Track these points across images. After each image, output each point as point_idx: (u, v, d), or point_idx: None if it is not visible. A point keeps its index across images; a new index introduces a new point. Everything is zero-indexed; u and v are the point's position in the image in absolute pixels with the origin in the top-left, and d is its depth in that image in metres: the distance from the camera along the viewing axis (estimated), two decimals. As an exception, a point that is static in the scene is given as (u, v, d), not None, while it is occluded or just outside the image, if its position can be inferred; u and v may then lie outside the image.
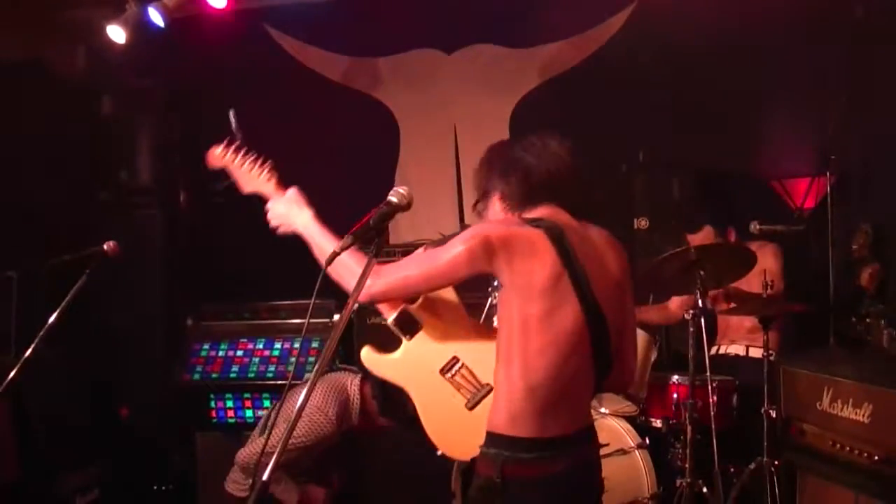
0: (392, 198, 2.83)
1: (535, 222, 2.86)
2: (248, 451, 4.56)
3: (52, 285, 4.22)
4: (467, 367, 3.29)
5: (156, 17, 6.06)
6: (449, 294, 3.38)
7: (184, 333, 6.16)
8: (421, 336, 3.34)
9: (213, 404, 5.83)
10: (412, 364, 3.35)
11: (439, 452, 3.37)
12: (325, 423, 4.52)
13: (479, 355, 3.23)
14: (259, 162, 3.28)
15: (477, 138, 7.21)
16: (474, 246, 2.80)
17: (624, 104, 6.58)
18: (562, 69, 7.05)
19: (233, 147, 3.32)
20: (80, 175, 6.00)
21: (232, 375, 5.89)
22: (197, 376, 5.92)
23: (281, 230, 3.17)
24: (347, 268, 2.85)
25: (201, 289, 6.46)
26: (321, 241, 3.01)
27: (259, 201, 3.35)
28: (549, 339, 2.78)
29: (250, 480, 4.51)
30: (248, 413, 5.77)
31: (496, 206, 3.07)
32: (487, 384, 3.18)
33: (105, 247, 4.12)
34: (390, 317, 3.36)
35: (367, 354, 3.42)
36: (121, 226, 5.83)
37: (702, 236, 5.61)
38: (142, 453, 6.00)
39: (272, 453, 2.24)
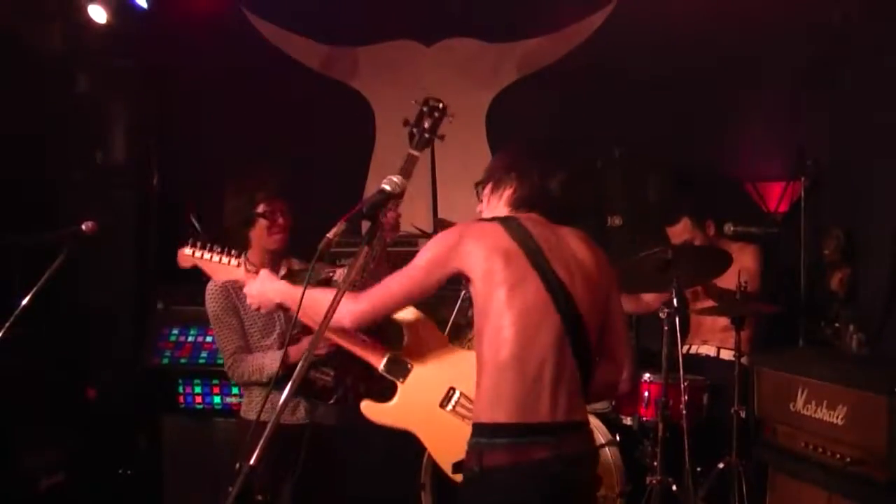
0: (385, 186, 2.82)
1: (490, 219, 3.00)
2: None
3: (27, 264, 4.15)
4: (464, 395, 3.28)
5: (141, -2, 6.00)
6: (429, 327, 3.44)
7: (154, 317, 6.09)
8: (413, 376, 3.35)
9: (180, 389, 5.78)
10: (412, 405, 3.34)
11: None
12: None
13: (473, 380, 3.18)
14: (226, 252, 3.45)
15: (453, 131, 7.18)
16: (437, 249, 2.93)
17: (600, 101, 6.60)
18: (540, 65, 7.05)
19: (199, 244, 3.47)
20: (55, 153, 5.91)
21: (201, 361, 5.82)
22: (165, 360, 5.86)
23: (262, 310, 3.33)
24: (319, 303, 2.78)
25: (174, 271, 6.38)
26: (297, 296, 2.88)
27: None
28: (512, 316, 2.82)
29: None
30: (217, 399, 5.72)
31: (487, 194, 3.14)
32: None
33: (83, 226, 4.04)
34: (379, 364, 3.37)
35: (368, 406, 3.38)
36: (94, 206, 5.75)
37: (680, 228, 5.62)
38: (108, 436, 5.92)
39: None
